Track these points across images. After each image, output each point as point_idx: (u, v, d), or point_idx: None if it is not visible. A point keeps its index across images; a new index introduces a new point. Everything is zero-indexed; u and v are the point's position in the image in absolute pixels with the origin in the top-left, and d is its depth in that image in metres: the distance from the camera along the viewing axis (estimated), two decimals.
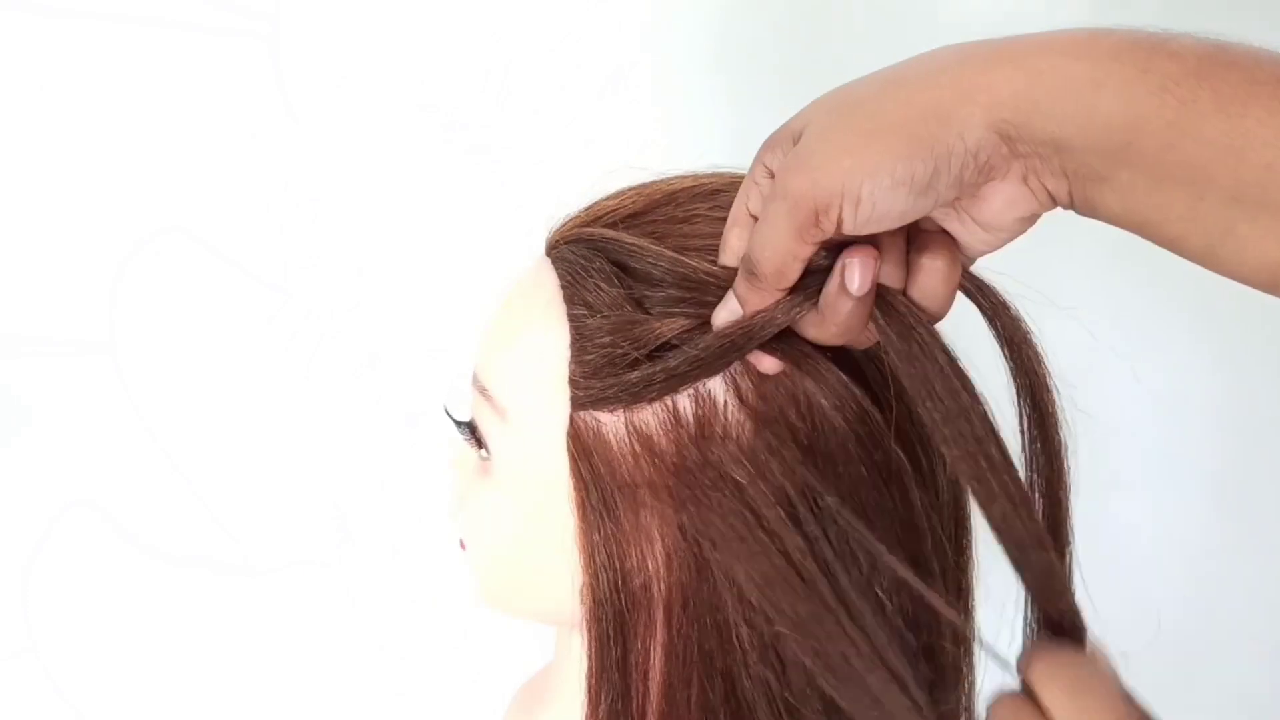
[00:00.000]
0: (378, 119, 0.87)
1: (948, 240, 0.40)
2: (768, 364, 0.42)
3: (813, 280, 0.40)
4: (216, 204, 0.85)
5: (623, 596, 0.44)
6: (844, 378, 0.42)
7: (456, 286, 0.89)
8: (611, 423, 0.44)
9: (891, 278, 0.40)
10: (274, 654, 0.95)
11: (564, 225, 0.49)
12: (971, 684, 0.48)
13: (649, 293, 0.44)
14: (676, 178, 0.48)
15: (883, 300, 0.40)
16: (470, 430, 0.50)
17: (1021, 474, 0.43)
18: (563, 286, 0.46)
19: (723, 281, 0.42)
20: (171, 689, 0.93)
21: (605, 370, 0.43)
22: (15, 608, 0.88)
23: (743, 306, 0.41)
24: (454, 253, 0.90)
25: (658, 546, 0.44)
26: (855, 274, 0.39)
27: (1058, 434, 0.43)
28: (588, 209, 0.49)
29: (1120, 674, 0.36)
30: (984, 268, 0.43)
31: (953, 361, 0.40)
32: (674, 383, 0.42)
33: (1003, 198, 0.37)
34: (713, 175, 0.49)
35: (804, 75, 0.94)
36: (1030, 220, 0.39)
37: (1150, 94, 0.33)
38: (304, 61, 0.84)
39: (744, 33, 0.94)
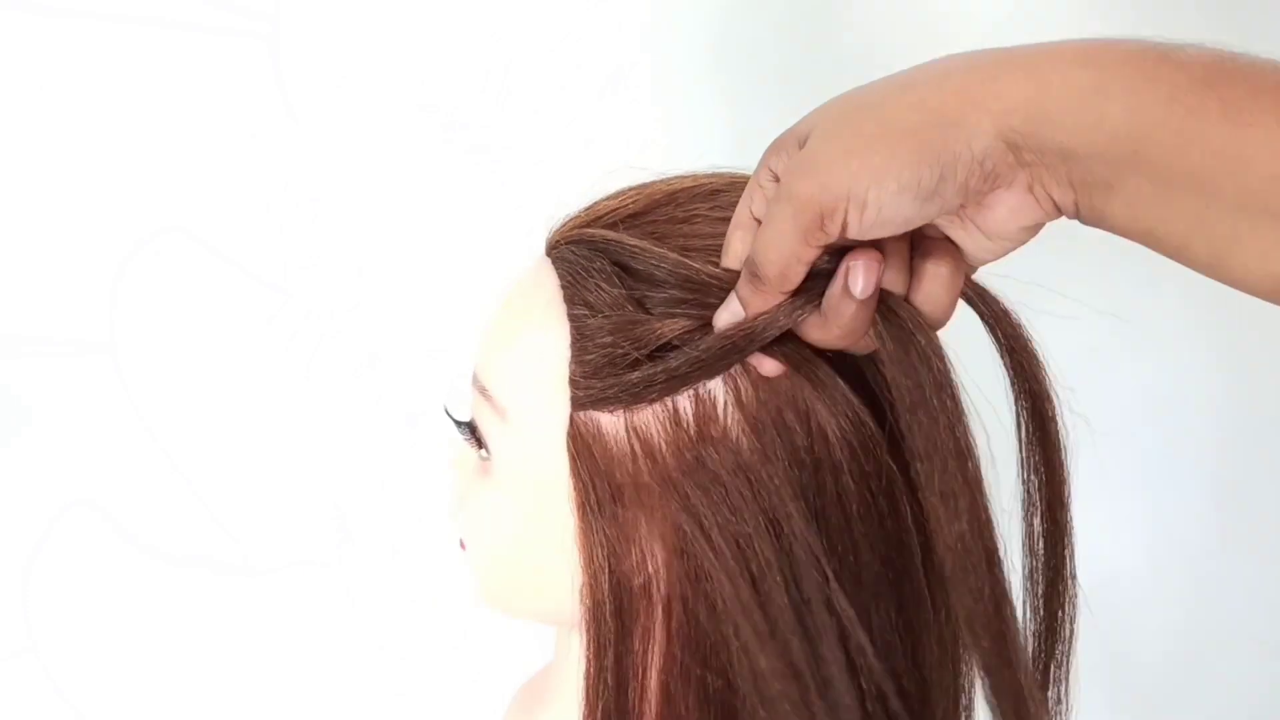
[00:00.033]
0: (378, 119, 0.87)
1: (951, 247, 0.40)
2: (768, 366, 0.42)
3: (815, 283, 0.40)
4: (216, 204, 0.85)
5: (622, 597, 0.44)
6: (842, 384, 0.42)
7: (456, 286, 0.89)
8: (611, 423, 0.44)
9: (895, 283, 0.40)
10: (274, 654, 0.95)
11: (564, 225, 0.49)
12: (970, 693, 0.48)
13: (650, 293, 0.44)
14: (676, 178, 0.48)
15: (884, 305, 0.40)
16: (470, 430, 0.50)
17: (1020, 481, 0.44)
18: (563, 286, 0.46)
19: (725, 284, 0.42)
20: (171, 689, 0.93)
21: (606, 370, 0.43)
22: (15, 608, 0.88)
23: (745, 309, 0.41)
24: (454, 253, 0.90)
25: (657, 547, 0.44)
26: (859, 277, 0.39)
27: (1057, 442, 0.44)
28: (588, 209, 0.49)
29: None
30: (986, 267, 0.43)
31: (946, 372, 0.40)
32: (674, 384, 0.42)
33: (1007, 206, 0.38)
34: (713, 175, 0.49)
35: (804, 75, 0.94)
36: (1034, 230, 0.39)
37: (1158, 103, 0.33)
38: (304, 61, 0.84)
39: (744, 33, 0.94)
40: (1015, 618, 0.41)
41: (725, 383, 0.43)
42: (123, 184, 0.83)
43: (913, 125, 0.36)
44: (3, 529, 0.87)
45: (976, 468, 0.40)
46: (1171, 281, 0.35)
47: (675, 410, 0.43)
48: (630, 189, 0.49)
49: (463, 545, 0.53)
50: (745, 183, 0.46)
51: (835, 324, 0.40)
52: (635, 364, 0.43)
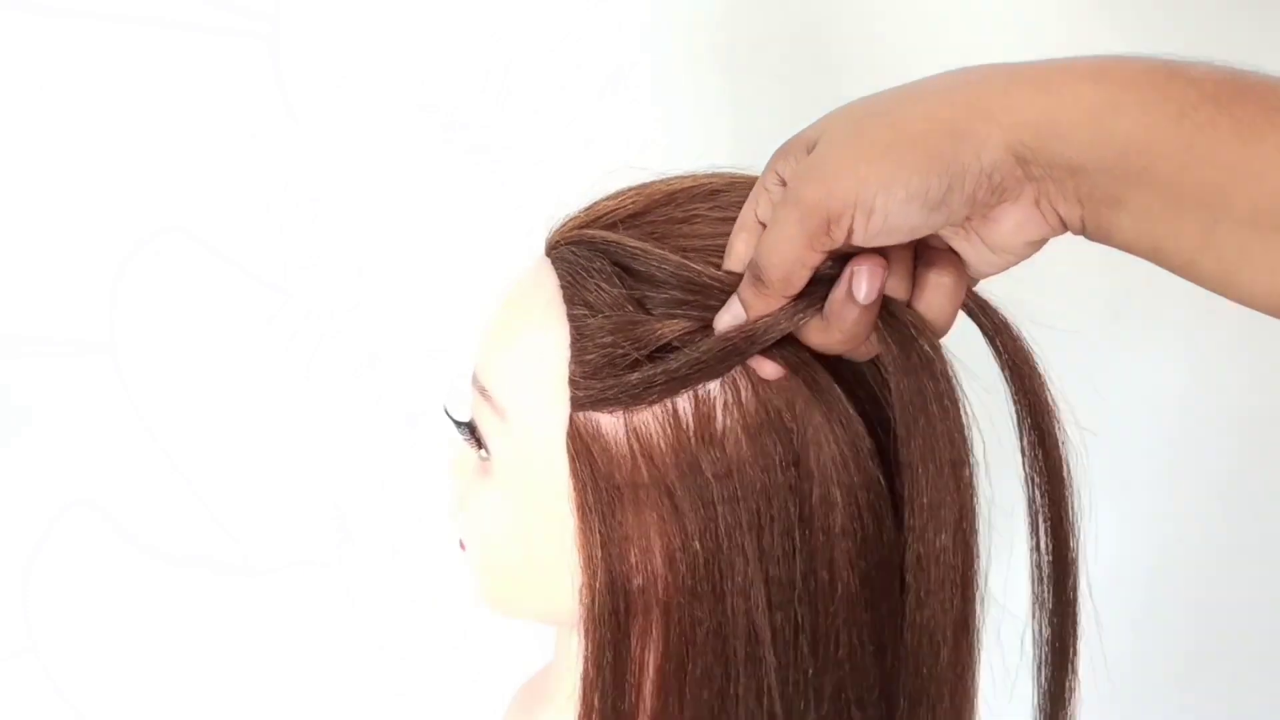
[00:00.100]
0: (378, 119, 0.87)
1: (954, 258, 0.41)
2: (768, 369, 0.42)
3: (817, 288, 0.40)
4: (216, 204, 0.85)
5: (621, 597, 0.44)
6: (839, 390, 0.42)
7: (456, 286, 0.89)
8: (610, 423, 0.44)
9: (898, 290, 0.40)
10: (274, 654, 0.95)
11: (564, 225, 0.49)
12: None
13: (651, 294, 0.44)
14: (676, 178, 0.48)
15: (886, 311, 0.40)
16: (470, 430, 0.50)
17: (1024, 497, 0.44)
18: (563, 287, 0.46)
19: (727, 286, 0.42)
20: (171, 689, 0.93)
21: (605, 371, 0.43)
22: (15, 608, 0.88)
23: (746, 311, 0.41)
24: (454, 253, 0.90)
25: (656, 547, 0.44)
26: (863, 282, 0.39)
27: (1059, 455, 0.44)
28: (588, 209, 0.49)
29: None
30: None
31: (949, 379, 0.40)
32: (674, 385, 0.42)
33: (1013, 220, 0.38)
34: (713, 175, 0.49)
35: (804, 75, 0.94)
36: (1038, 245, 0.39)
37: (1169, 120, 0.33)
38: (304, 61, 0.84)
39: (744, 33, 0.94)
40: (977, 639, 0.42)
41: (725, 384, 0.43)
42: (123, 184, 0.83)
43: (922, 135, 0.36)
44: (3, 529, 0.87)
45: (971, 478, 0.41)
46: (1178, 280, 0.35)
47: (675, 411, 0.43)
48: (630, 189, 0.49)
49: (462, 545, 0.53)
50: (745, 183, 0.46)
51: (837, 328, 0.40)
52: (635, 365, 0.43)
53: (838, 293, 0.40)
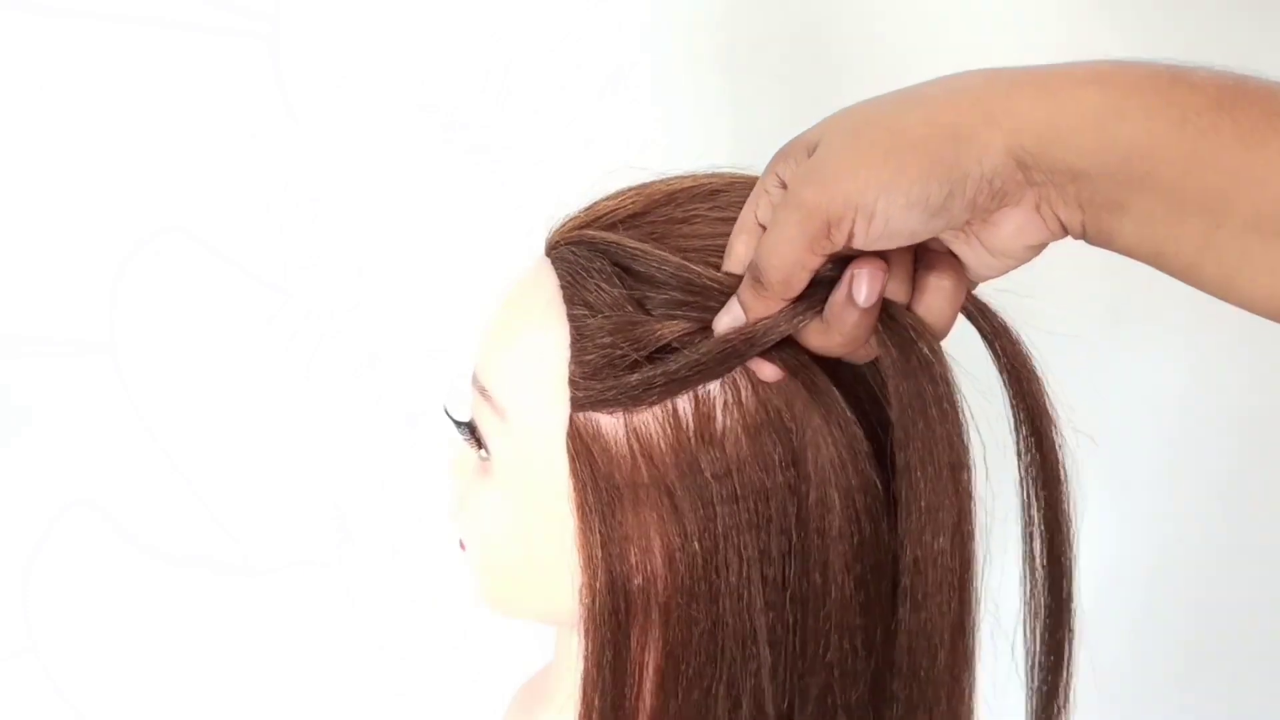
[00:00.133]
0: (378, 119, 0.87)
1: (954, 261, 0.41)
2: (767, 371, 0.42)
3: (817, 290, 0.40)
4: (216, 204, 0.85)
5: (621, 597, 0.44)
6: (838, 393, 0.42)
7: (456, 286, 0.89)
8: (610, 423, 0.44)
9: (898, 293, 0.40)
10: (274, 654, 0.95)
11: (564, 225, 0.49)
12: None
13: (651, 294, 0.44)
14: (676, 178, 0.48)
15: (886, 313, 0.40)
16: (470, 430, 0.50)
17: (1019, 501, 0.44)
18: (563, 287, 0.46)
19: (726, 288, 0.42)
20: (171, 689, 0.93)
21: (605, 372, 0.43)
22: (15, 608, 0.88)
23: (746, 313, 0.41)
24: (454, 253, 0.90)
25: (656, 547, 0.44)
26: (863, 285, 0.39)
27: (1056, 459, 0.44)
28: (587, 209, 0.49)
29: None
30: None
31: (949, 381, 0.40)
32: (673, 387, 0.42)
33: (1014, 225, 0.38)
34: (713, 175, 0.49)
35: (804, 75, 0.94)
36: (1038, 249, 0.39)
37: (1172, 125, 0.33)
38: (304, 61, 0.84)
39: (744, 33, 0.94)
40: (974, 642, 0.42)
41: (725, 384, 0.43)
42: (123, 184, 0.83)
43: (923, 139, 0.36)
44: (3, 529, 0.87)
45: (969, 481, 0.41)
46: (1178, 283, 0.35)
47: (675, 412, 0.43)
48: (630, 189, 0.49)
49: (462, 545, 0.53)
50: (745, 183, 0.46)
51: (837, 331, 0.40)
52: (634, 366, 0.43)
53: (838, 295, 0.40)
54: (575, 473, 0.44)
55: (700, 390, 0.43)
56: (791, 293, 0.40)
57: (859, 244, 0.38)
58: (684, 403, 0.43)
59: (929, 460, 0.40)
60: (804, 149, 0.40)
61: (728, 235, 0.43)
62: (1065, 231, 0.37)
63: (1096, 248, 0.37)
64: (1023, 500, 0.44)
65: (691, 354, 0.42)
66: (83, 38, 0.80)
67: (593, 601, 0.45)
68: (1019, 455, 0.44)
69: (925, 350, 0.40)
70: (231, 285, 0.87)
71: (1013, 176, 0.36)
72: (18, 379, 0.84)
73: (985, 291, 0.44)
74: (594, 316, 0.44)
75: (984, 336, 0.44)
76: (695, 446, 0.43)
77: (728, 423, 0.43)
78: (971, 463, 0.41)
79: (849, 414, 0.42)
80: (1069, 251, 0.41)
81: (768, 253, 0.39)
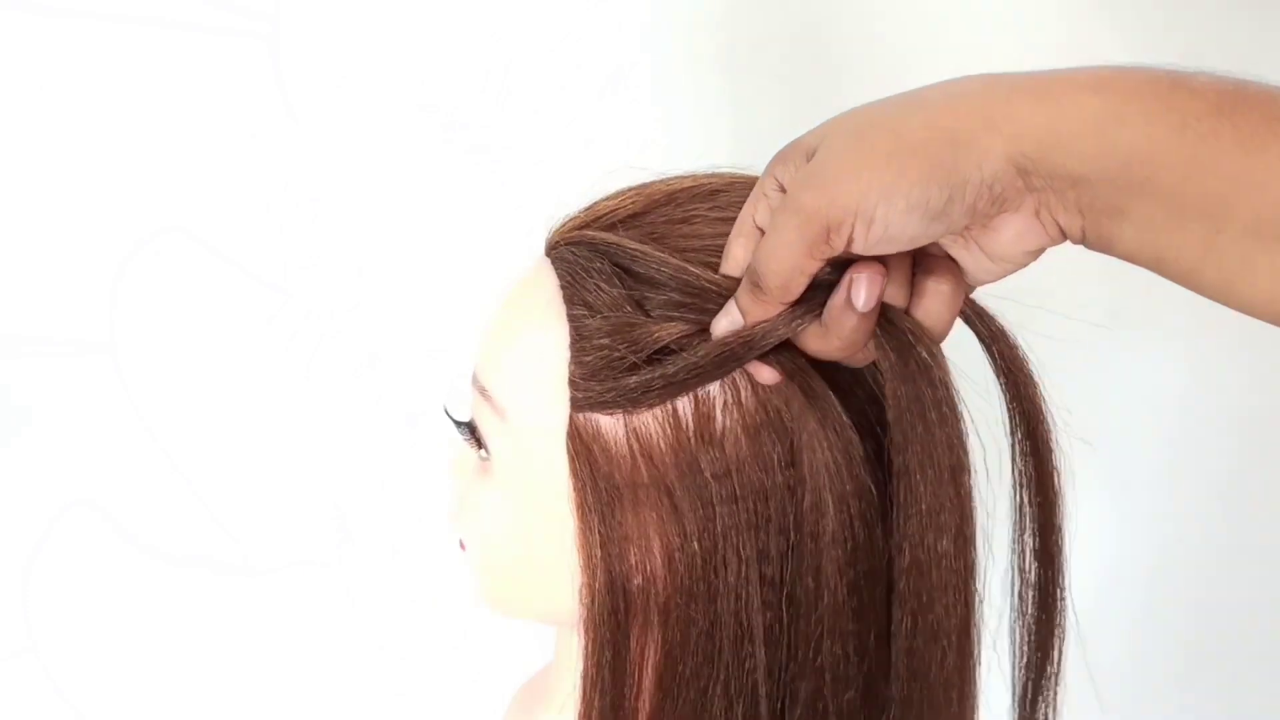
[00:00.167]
0: (378, 119, 0.87)
1: (953, 265, 0.41)
2: (766, 375, 0.42)
3: (815, 294, 0.40)
4: (216, 204, 0.85)
5: (620, 597, 0.44)
6: (834, 398, 0.42)
7: (456, 286, 0.89)
8: (610, 423, 0.44)
9: (896, 297, 0.40)
10: (274, 654, 0.95)
11: (564, 226, 0.49)
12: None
13: (650, 295, 0.44)
14: (676, 178, 0.48)
15: (884, 317, 0.40)
16: (470, 430, 0.50)
17: (1012, 502, 0.44)
18: (562, 287, 0.46)
19: (725, 290, 0.42)
20: (171, 689, 0.93)
21: (604, 373, 0.43)
22: (15, 608, 0.88)
23: (744, 317, 0.41)
24: (454, 253, 0.90)
25: (656, 547, 0.44)
26: (862, 289, 0.39)
27: (1052, 463, 0.44)
28: (587, 209, 0.49)
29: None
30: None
31: (948, 384, 0.40)
32: (672, 390, 0.42)
33: (1013, 230, 0.38)
34: (713, 175, 0.49)
35: (804, 75, 0.94)
36: (1037, 254, 0.39)
37: (1172, 130, 0.33)
38: (304, 61, 0.84)
39: (744, 33, 0.94)
40: (978, 642, 0.42)
41: (724, 384, 0.43)
42: (123, 184, 0.83)
43: (923, 144, 0.36)
44: (3, 529, 0.87)
45: (969, 484, 0.40)
46: (1178, 286, 0.35)
47: (674, 412, 0.43)
48: (630, 189, 0.49)
49: (462, 546, 0.53)
50: (745, 183, 0.46)
51: (835, 335, 0.40)
52: (633, 368, 0.43)
53: (836, 300, 0.40)
54: (575, 472, 0.44)
55: (700, 390, 0.43)
56: (789, 297, 0.40)
57: (858, 249, 0.38)
58: (684, 403, 0.43)
59: (929, 463, 0.40)
60: (803, 153, 0.39)
61: (728, 235, 0.43)
62: (1065, 237, 0.37)
63: (1095, 252, 0.37)
64: (1017, 502, 0.44)
65: (689, 357, 0.42)
66: (83, 38, 0.80)
67: (592, 601, 0.45)
68: (1013, 459, 0.44)
69: (924, 354, 0.40)
70: (231, 285, 0.87)
71: (1013, 182, 0.36)
72: (18, 379, 0.84)
73: (983, 295, 0.44)
74: (593, 317, 0.44)
75: (981, 340, 0.44)
76: (695, 446, 0.43)
77: (727, 423, 0.43)
78: (972, 465, 0.41)
79: (845, 418, 0.42)
80: (1068, 256, 0.41)
81: (766, 257, 0.39)
